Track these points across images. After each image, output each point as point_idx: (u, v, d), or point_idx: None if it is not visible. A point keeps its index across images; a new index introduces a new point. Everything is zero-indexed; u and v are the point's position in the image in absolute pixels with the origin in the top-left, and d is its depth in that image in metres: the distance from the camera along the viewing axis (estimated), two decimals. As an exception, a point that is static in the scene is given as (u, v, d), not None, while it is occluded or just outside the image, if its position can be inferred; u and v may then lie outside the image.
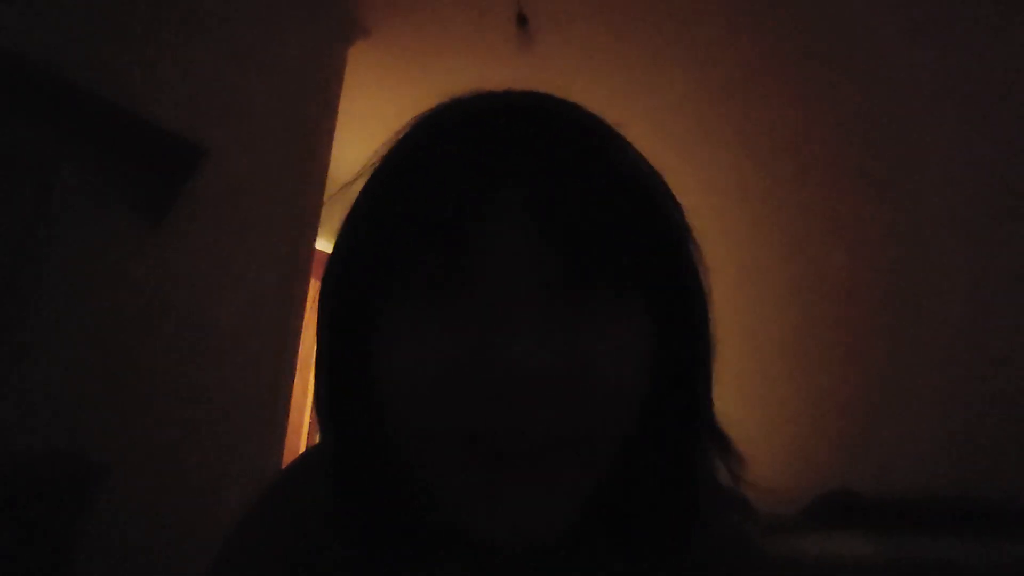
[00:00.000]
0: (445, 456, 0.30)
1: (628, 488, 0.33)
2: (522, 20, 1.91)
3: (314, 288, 1.49)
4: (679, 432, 0.34)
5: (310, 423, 3.02)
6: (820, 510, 1.81)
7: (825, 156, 2.21)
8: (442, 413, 0.29)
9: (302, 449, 3.00)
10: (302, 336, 1.83)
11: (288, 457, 1.94)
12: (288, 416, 1.80)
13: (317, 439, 0.41)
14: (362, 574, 0.36)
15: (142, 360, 1.41)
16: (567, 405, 0.29)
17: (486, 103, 0.34)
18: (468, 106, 0.34)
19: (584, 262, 0.30)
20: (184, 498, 1.44)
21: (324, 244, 2.26)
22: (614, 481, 0.32)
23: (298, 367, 1.81)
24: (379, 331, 0.31)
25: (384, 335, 0.31)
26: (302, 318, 1.81)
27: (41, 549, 1.08)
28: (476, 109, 0.34)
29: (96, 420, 1.31)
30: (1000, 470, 1.81)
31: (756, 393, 2.17)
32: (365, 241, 0.33)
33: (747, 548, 0.37)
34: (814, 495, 1.86)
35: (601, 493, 0.32)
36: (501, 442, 0.28)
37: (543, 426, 0.28)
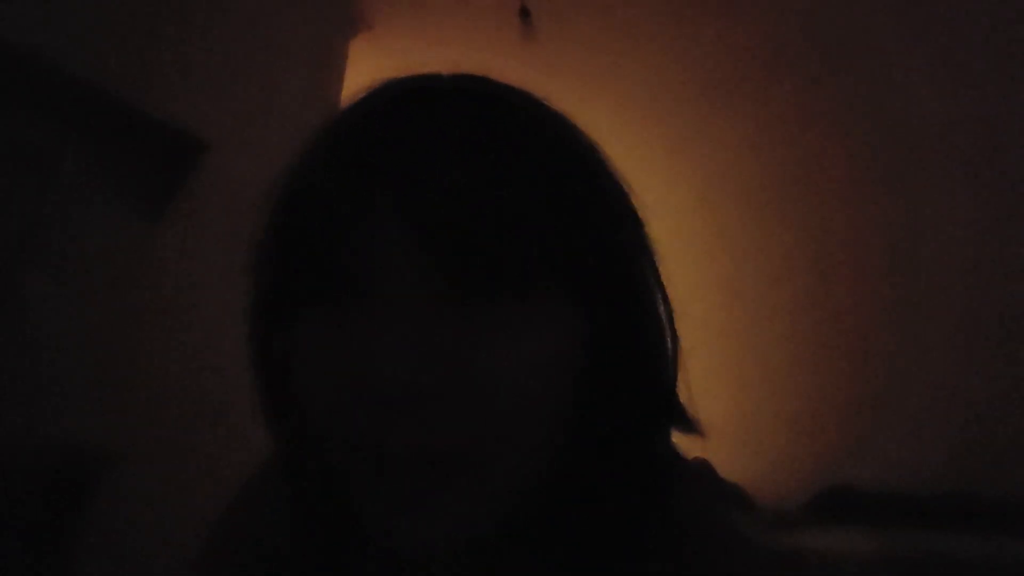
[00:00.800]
0: (355, 465, 0.30)
1: (565, 491, 0.32)
2: (525, 13, 1.90)
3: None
4: (630, 431, 0.33)
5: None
6: (821, 506, 1.82)
7: (826, 155, 2.21)
8: (345, 424, 0.29)
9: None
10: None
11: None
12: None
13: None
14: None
15: (142, 356, 1.41)
16: (462, 417, 0.28)
17: (395, 93, 0.33)
18: (374, 99, 0.34)
19: (482, 269, 0.28)
20: (185, 495, 1.44)
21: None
22: (547, 484, 0.31)
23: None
24: (292, 335, 0.31)
25: (297, 343, 0.31)
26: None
27: (42, 544, 1.08)
28: (381, 102, 0.33)
29: (97, 417, 1.31)
30: (1002, 466, 1.81)
31: (757, 389, 2.17)
32: (270, 251, 0.33)
33: (746, 544, 0.36)
34: (815, 491, 1.87)
35: (534, 501, 0.31)
36: (398, 453, 0.28)
37: (436, 438, 0.28)
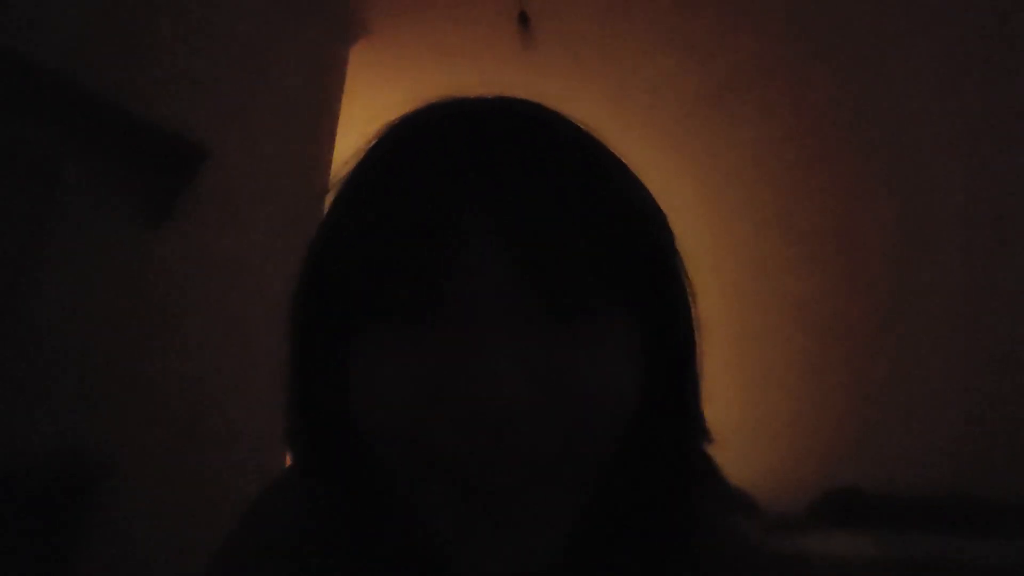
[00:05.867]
0: (424, 487, 0.29)
1: (619, 510, 0.33)
2: (524, 19, 1.91)
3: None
4: (672, 445, 0.33)
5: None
6: (825, 509, 1.81)
7: (826, 155, 2.21)
8: (419, 444, 0.28)
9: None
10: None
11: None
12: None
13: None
14: None
15: (144, 360, 1.41)
16: (547, 433, 0.28)
17: (457, 116, 0.32)
18: (438, 119, 0.32)
19: (564, 286, 0.28)
20: (187, 497, 1.44)
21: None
22: (603, 504, 0.32)
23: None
24: (354, 357, 0.30)
25: (359, 363, 0.30)
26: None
27: (44, 547, 1.08)
28: (447, 121, 0.32)
29: (99, 419, 1.31)
30: (1003, 469, 1.80)
31: (762, 393, 2.16)
32: (333, 266, 0.31)
33: (750, 548, 0.37)
34: (819, 494, 1.86)
35: (590, 518, 0.31)
36: (478, 475, 0.28)
37: (521, 458, 0.28)
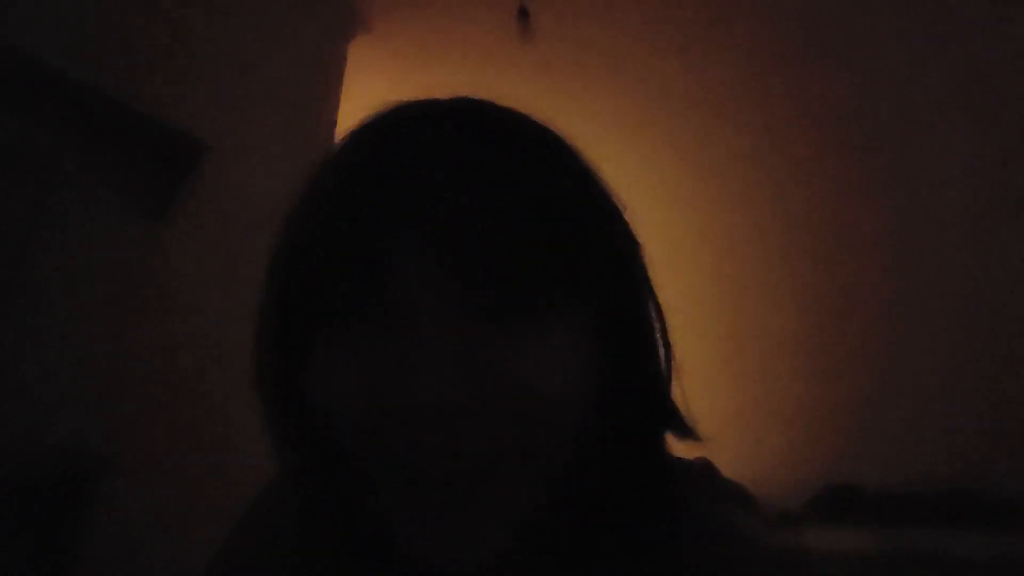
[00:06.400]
0: (384, 479, 0.30)
1: (582, 500, 0.33)
2: (523, 14, 1.90)
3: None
4: (633, 436, 0.34)
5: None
6: (823, 504, 1.82)
7: (826, 155, 2.20)
8: (369, 438, 0.30)
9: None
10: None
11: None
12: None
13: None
14: None
15: (143, 357, 1.41)
16: (488, 428, 0.29)
17: (411, 119, 0.33)
18: (389, 125, 0.33)
19: (500, 287, 0.29)
20: (186, 495, 1.44)
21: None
22: (566, 494, 0.32)
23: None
24: (311, 356, 0.31)
25: (316, 361, 0.31)
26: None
27: (44, 545, 1.08)
28: (396, 128, 0.33)
29: (98, 417, 1.31)
30: (1002, 464, 1.81)
31: (759, 388, 2.17)
32: (288, 269, 0.33)
33: (747, 543, 0.37)
34: (817, 489, 1.86)
35: (553, 508, 0.32)
36: (423, 469, 0.29)
37: (463, 452, 0.29)
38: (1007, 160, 1.97)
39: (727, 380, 2.07)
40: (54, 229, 1.26)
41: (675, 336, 0.36)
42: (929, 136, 2.03)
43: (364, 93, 2.18)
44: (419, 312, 0.29)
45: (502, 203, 0.29)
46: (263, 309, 0.35)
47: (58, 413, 1.25)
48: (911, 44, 1.89)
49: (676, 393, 0.36)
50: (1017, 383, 1.89)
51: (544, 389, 0.29)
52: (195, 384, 1.51)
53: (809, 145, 2.21)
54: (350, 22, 2.03)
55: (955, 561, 1.42)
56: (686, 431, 0.36)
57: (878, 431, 2.02)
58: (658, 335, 0.35)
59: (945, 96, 1.97)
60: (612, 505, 0.33)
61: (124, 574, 1.27)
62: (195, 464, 1.48)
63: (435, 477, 0.29)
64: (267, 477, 0.44)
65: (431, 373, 0.27)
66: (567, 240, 0.30)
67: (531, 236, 0.29)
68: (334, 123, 2.01)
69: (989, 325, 1.96)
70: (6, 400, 1.17)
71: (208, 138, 1.53)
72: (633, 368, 0.33)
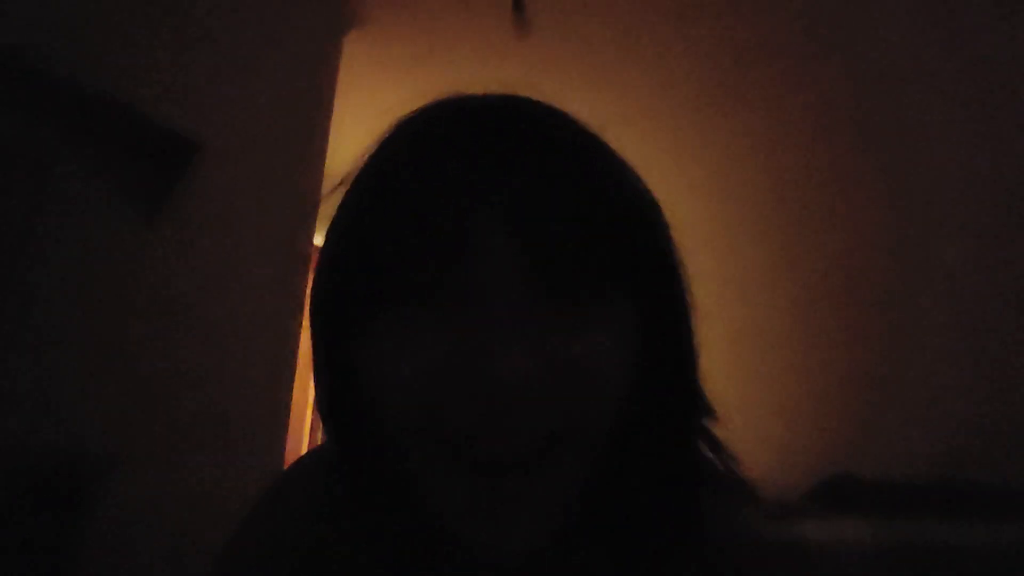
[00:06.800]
0: (437, 463, 0.31)
1: (619, 487, 0.34)
2: (519, 5, 1.89)
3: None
4: (669, 423, 0.35)
5: (312, 420, 3.02)
6: (822, 495, 1.82)
7: (826, 152, 2.20)
8: (433, 421, 0.30)
9: (304, 445, 3.00)
10: (301, 332, 1.82)
11: (290, 454, 1.95)
12: (289, 413, 1.80)
13: (320, 436, 0.42)
14: (367, 575, 0.36)
15: (141, 356, 1.41)
16: (554, 410, 0.29)
17: (466, 111, 0.34)
18: (449, 114, 0.34)
19: (565, 271, 0.30)
20: (186, 495, 1.44)
21: (321, 239, 2.25)
22: (604, 481, 0.33)
23: (299, 363, 1.81)
24: (370, 338, 0.32)
25: (375, 342, 0.32)
26: (301, 313, 1.80)
27: (43, 546, 1.08)
28: (457, 118, 0.34)
29: (96, 417, 1.31)
30: (999, 454, 1.82)
31: (758, 379, 2.17)
32: (352, 253, 0.33)
33: (746, 534, 0.37)
34: (816, 480, 1.87)
35: (592, 495, 0.33)
36: (490, 450, 0.29)
37: (531, 433, 0.29)
38: (1007, 160, 1.97)
39: (727, 375, 2.08)
40: (51, 228, 1.25)
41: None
42: (929, 136, 2.03)
43: (359, 89, 2.16)
44: (490, 293, 0.30)
45: (565, 190, 0.31)
46: (319, 291, 0.35)
47: (58, 413, 1.24)
48: (914, 43, 1.89)
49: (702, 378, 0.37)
50: (1014, 375, 1.90)
51: (596, 371, 0.30)
52: (195, 384, 1.51)
53: (811, 142, 2.20)
54: (344, 16, 2.02)
55: (954, 550, 1.43)
56: (712, 414, 0.37)
57: (877, 421, 2.02)
58: (692, 331, 0.36)
59: (945, 96, 1.97)
60: (644, 497, 0.34)
61: (124, 574, 1.27)
62: (195, 464, 1.48)
63: (490, 460, 0.29)
64: (267, 478, 0.44)
65: (503, 352, 0.28)
66: (617, 231, 0.32)
67: (590, 223, 0.31)
68: (329, 119, 2.00)
69: (986, 319, 1.96)
70: (5, 400, 1.17)
71: (202, 136, 1.53)
72: (669, 360, 0.35)
